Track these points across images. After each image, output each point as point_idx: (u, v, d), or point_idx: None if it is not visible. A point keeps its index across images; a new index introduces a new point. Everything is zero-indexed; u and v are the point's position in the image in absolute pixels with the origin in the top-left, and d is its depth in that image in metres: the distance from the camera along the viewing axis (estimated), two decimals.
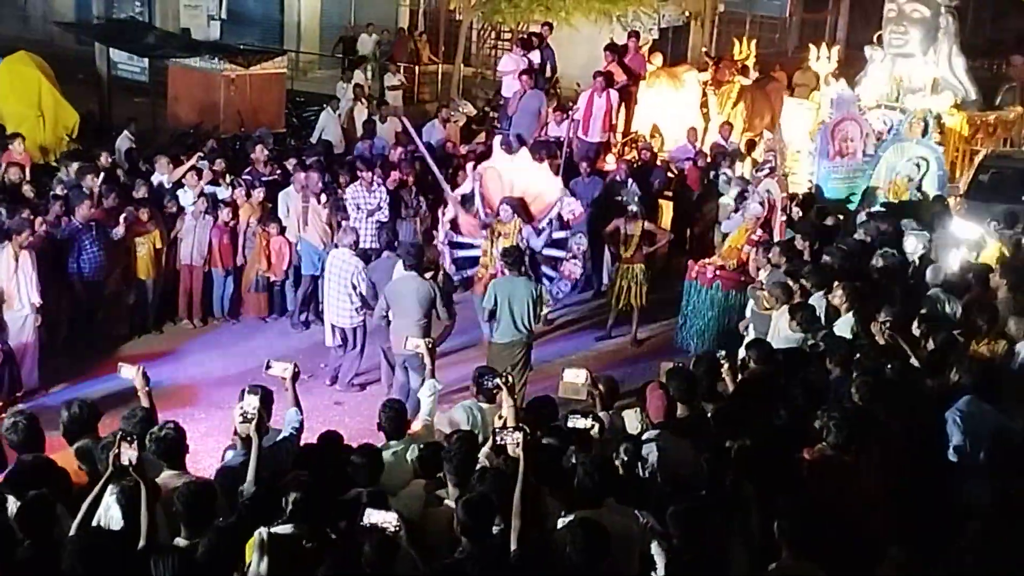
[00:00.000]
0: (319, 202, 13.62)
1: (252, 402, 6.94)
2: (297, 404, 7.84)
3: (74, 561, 5.52)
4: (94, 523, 6.09)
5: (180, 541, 5.94)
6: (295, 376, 7.92)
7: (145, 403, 7.58)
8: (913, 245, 12.31)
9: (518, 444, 6.29)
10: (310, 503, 6.15)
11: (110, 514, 6.15)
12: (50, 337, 11.69)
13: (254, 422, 6.85)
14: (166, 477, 6.60)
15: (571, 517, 6.23)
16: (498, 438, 6.49)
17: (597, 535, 5.78)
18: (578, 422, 7.06)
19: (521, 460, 6.20)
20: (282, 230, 13.69)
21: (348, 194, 14.06)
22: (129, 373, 7.68)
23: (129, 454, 5.94)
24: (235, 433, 7.30)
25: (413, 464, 7.16)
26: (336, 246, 12.27)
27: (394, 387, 11.37)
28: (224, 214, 13.43)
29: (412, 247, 11.42)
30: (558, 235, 12.90)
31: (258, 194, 13.86)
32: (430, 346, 8.85)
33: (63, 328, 12.07)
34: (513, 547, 5.91)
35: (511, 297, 10.99)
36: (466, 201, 13.24)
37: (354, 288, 11.78)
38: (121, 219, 12.38)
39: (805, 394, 8.16)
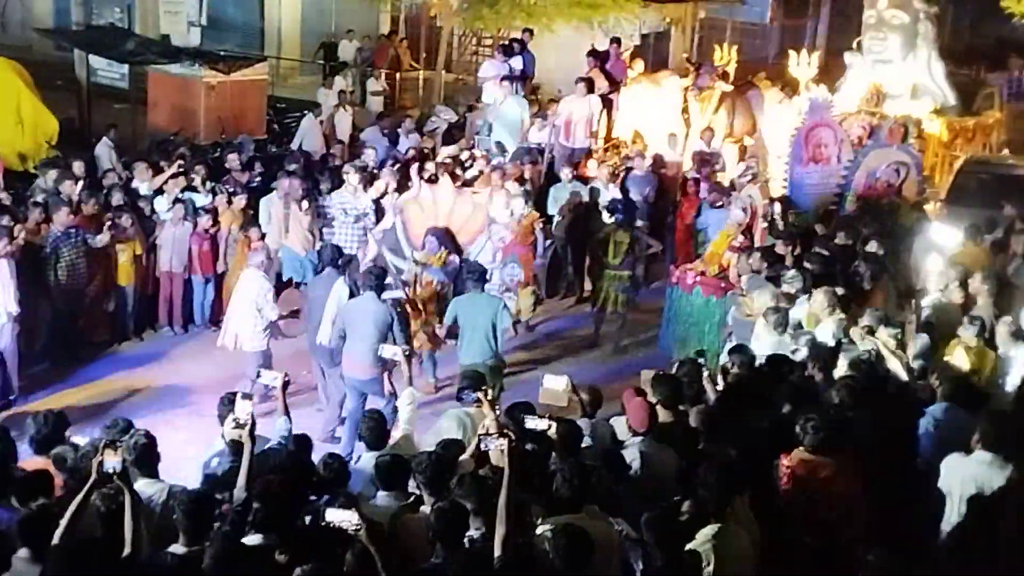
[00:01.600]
0: (300, 209, 13.59)
1: (246, 408, 6.91)
2: (286, 413, 7.81)
3: (60, 569, 5.47)
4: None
5: (178, 549, 5.89)
6: (285, 385, 7.89)
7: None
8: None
9: (503, 451, 6.27)
10: (276, 511, 6.13)
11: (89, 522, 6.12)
12: (28, 345, 11.62)
13: (247, 428, 6.83)
14: (140, 486, 6.54)
15: (549, 523, 6.22)
16: (482, 445, 6.47)
17: (581, 541, 5.77)
18: (536, 423, 7.04)
19: (506, 467, 6.18)
20: (262, 237, 13.64)
21: (335, 198, 14.02)
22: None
23: (113, 462, 5.91)
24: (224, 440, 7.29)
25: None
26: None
27: (347, 416, 10.77)
28: (204, 221, 13.37)
29: (373, 267, 11.15)
30: (484, 262, 12.35)
31: (239, 201, 13.81)
32: (407, 353, 8.83)
33: (42, 336, 12.00)
34: (497, 553, 5.88)
35: (472, 316, 10.66)
36: (387, 237, 12.97)
37: (259, 311, 11.31)
38: (105, 228, 12.30)
39: (790, 399, 8.16)
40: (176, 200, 13.50)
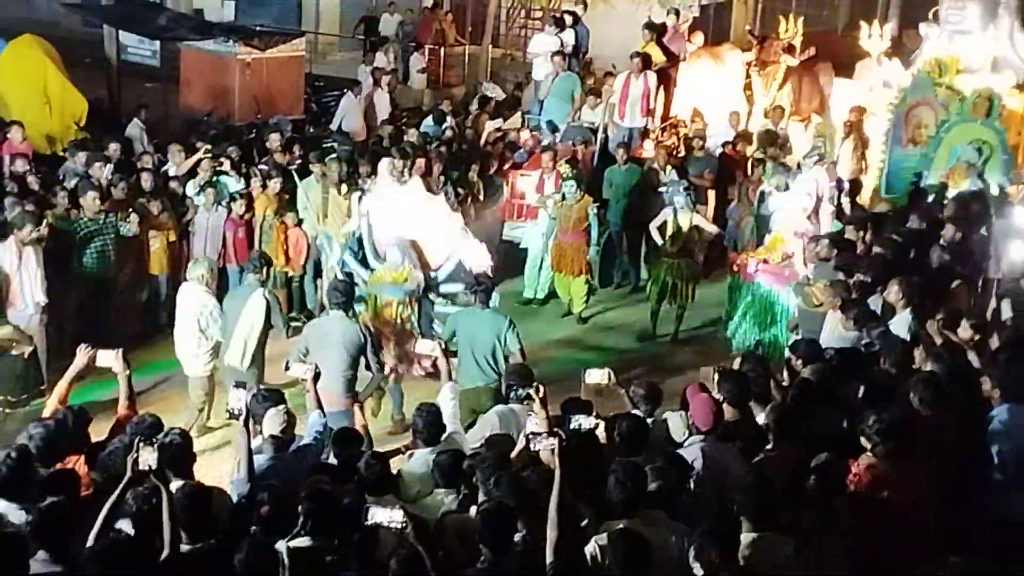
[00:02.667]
0: (339, 193, 13.62)
1: (238, 397, 6.95)
2: (320, 408, 7.85)
3: (97, 569, 5.53)
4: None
5: (183, 547, 5.95)
6: (316, 377, 7.93)
7: (124, 389, 7.77)
8: None
9: (553, 451, 6.26)
10: (324, 513, 6.17)
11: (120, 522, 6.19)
12: (58, 337, 11.72)
13: (241, 419, 6.88)
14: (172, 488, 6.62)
15: (603, 528, 6.22)
16: (531, 445, 6.47)
17: (638, 548, 5.75)
18: (581, 422, 7.01)
19: (557, 468, 6.18)
20: (299, 223, 13.71)
21: (377, 183, 13.98)
22: (107, 360, 7.76)
23: (149, 458, 5.96)
24: (262, 435, 7.36)
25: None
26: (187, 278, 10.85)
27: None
28: (238, 206, 13.45)
29: (339, 281, 10.34)
30: (453, 289, 11.37)
31: (274, 185, 13.86)
32: (443, 348, 8.83)
33: (71, 326, 12.10)
34: (549, 559, 5.88)
35: (472, 333, 9.98)
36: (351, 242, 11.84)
37: (203, 331, 10.53)
38: (131, 217, 12.39)
39: (865, 398, 8.08)
40: (207, 184, 13.59)
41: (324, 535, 6.13)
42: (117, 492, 6.04)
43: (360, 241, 11.60)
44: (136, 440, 6.15)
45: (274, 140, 15.21)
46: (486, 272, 10.97)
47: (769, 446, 7.55)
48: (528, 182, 15.55)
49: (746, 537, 6.22)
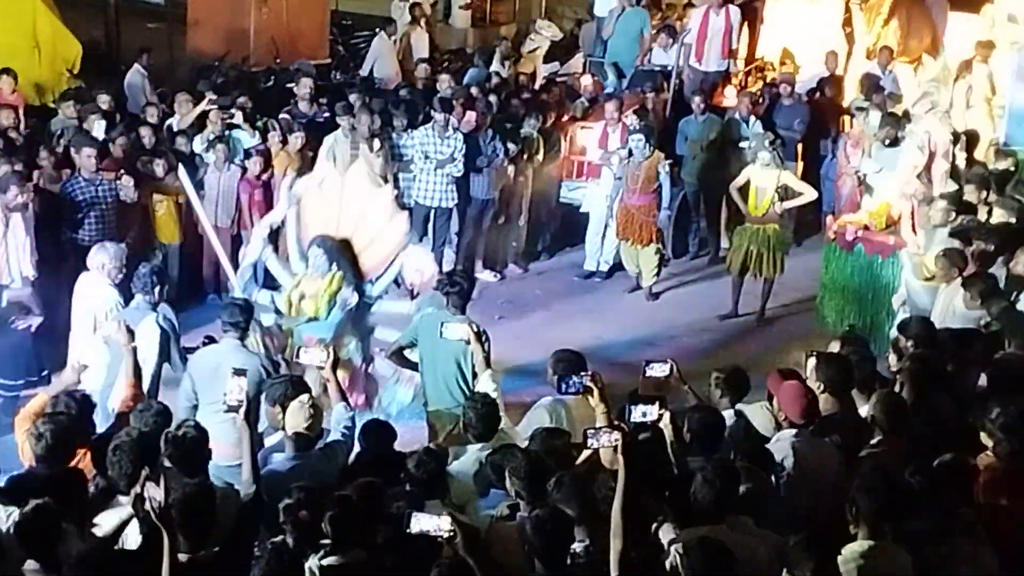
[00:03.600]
0: (371, 149, 13.63)
1: (237, 385, 6.95)
2: (344, 399, 7.85)
3: None
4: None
5: (182, 556, 5.97)
6: (335, 364, 7.90)
7: (130, 363, 7.77)
8: None
9: (616, 448, 6.21)
10: (352, 524, 6.17)
11: (126, 531, 6.26)
12: (50, 316, 11.79)
13: (241, 412, 6.88)
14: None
15: (679, 536, 6.18)
16: (589, 442, 6.43)
17: (721, 560, 5.71)
18: (645, 411, 6.95)
19: (620, 467, 6.14)
20: None
21: (416, 139, 14.08)
22: (108, 328, 7.76)
23: (156, 496, 5.98)
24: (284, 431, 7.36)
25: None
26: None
27: None
28: (253, 164, 13.49)
29: (233, 302, 9.37)
30: (394, 307, 10.68)
31: (296, 140, 13.89)
32: (476, 330, 8.77)
33: (65, 306, 12.16)
34: (614, 573, 5.86)
35: (435, 344, 9.21)
36: (277, 235, 10.88)
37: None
38: (124, 179, 12.36)
39: (988, 386, 7.97)
40: (217, 139, 13.64)
41: (357, 548, 6.12)
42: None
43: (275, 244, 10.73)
44: (142, 477, 6.17)
45: (305, 86, 15.20)
46: (459, 275, 9.83)
47: (873, 442, 7.46)
48: (589, 136, 15.47)
49: (859, 547, 6.14)
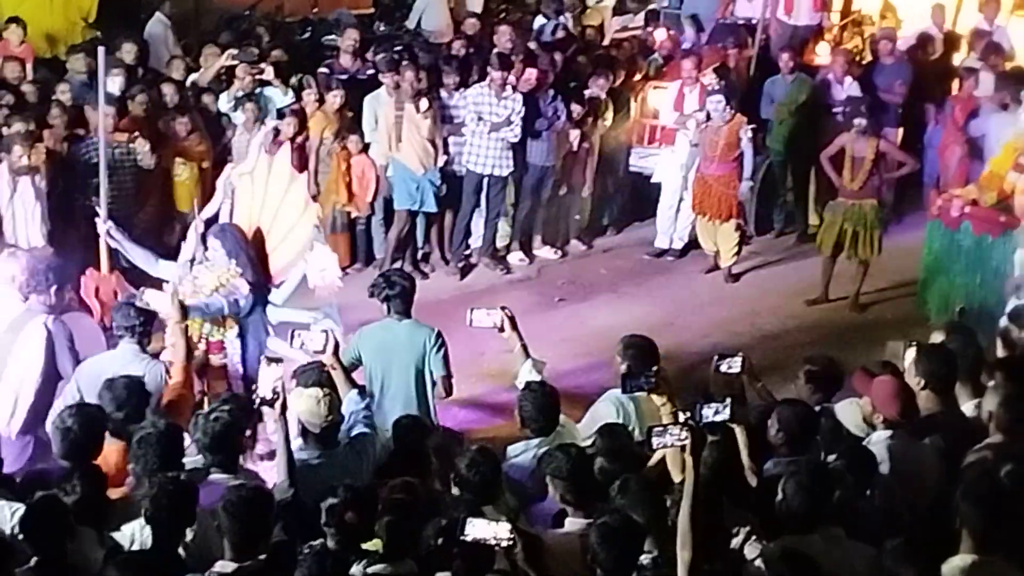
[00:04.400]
0: (418, 110, 13.65)
1: (273, 376, 6.98)
2: (354, 385, 7.86)
3: None
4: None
5: (226, 567, 6.01)
6: (336, 349, 7.90)
7: (180, 344, 7.88)
8: None
9: (684, 447, 6.19)
10: (408, 531, 6.20)
11: (145, 532, 6.32)
12: (58, 291, 11.89)
13: (278, 406, 6.91)
14: (214, 480, 6.74)
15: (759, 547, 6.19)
16: (654, 442, 6.40)
17: (805, 574, 5.68)
18: (716, 410, 6.91)
19: (689, 470, 6.11)
20: (365, 148, 13.76)
21: (470, 99, 14.07)
22: (156, 300, 7.79)
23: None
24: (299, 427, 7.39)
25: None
26: None
27: None
28: (286, 126, 13.54)
29: (126, 303, 8.99)
30: (293, 317, 10.12)
31: (334, 99, 13.95)
32: (510, 314, 8.69)
33: (76, 280, 12.24)
34: None
35: (387, 358, 9.07)
36: (210, 228, 10.25)
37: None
38: (138, 142, 12.45)
39: None
40: (246, 97, 13.70)
41: (410, 559, 6.16)
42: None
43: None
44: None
45: (349, 38, 15.20)
46: (397, 276, 9.57)
47: (983, 444, 7.40)
48: (663, 97, 15.41)
49: (961, 561, 6.09)
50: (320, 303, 10.20)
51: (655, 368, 7.46)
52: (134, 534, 6.33)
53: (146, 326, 8.58)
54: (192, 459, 7.12)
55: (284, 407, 7.00)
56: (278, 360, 7.21)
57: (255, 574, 6.01)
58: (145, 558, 5.96)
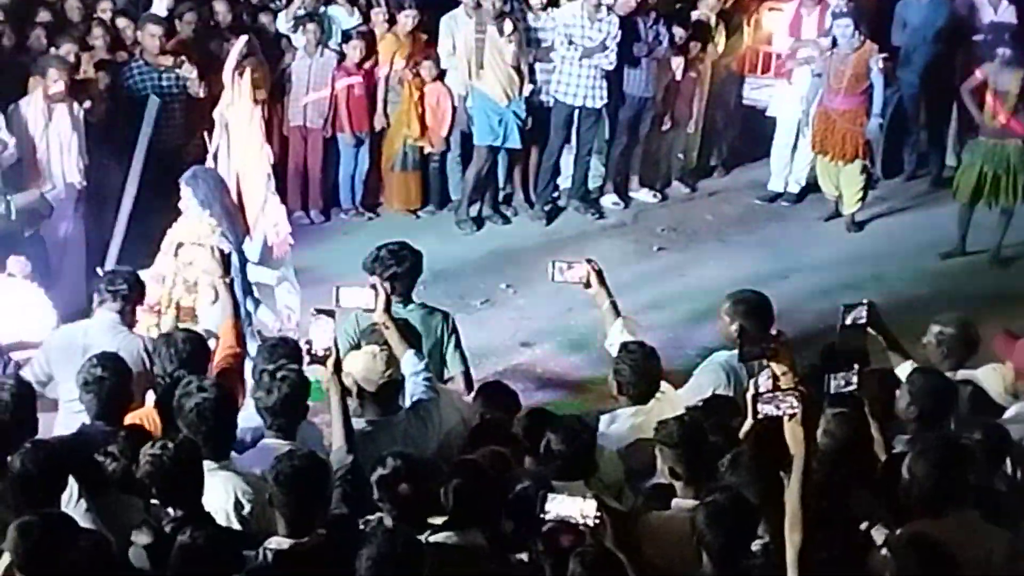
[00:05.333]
0: (501, 33, 13.64)
1: (322, 330, 7.01)
2: (411, 345, 7.87)
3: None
4: None
5: (281, 543, 6.08)
6: (388, 304, 7.90)
7: (227, 302, 8.08)
8: None
9: (794, 414, 6.16)
10: (479, 498, 6.24)
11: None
12: (99, 233, 11.98)
13: (330, 363, 6.95)
14: (267, 445, 6.87)
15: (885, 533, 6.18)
16: (759, 409, 6.37)
17: (938, 563, 5.67)
18: (847, 380, 6.87)
19: (800, 442, 6.08)
20: (440, 75, 13.78)
21: (559, 20, 14.03)
22: (195, 254, 7.95)
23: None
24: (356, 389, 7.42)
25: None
26: None
27: None
28: (352, 50, 13.60)
29: (115, 272, 8.87)
30: (262, 276, 10.21)
31: (407, 19, 13.97)
32: (597, 268, 8.61)
33: (118, 218, 12.31)
34: (791, 574, 5.86)
35: None
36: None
37: None
38: (185, 67, 12.48)
39: None
40: (308, 17, 13.74)
41: (477, 528, 6.19)
42: None
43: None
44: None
45: None
46: (402, 249, 8.94)
47: None
48: (779, 20, 15.33)
49: None
50: (275, 263, 10.08)
51: (776, 331, 7.43)
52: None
53: (131, 293, 8.40)
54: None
55: (338, 365, 7.05)
56: (329, 313, 7.21)
57: (313, 551, 6.03)
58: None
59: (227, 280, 8.20)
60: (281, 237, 10.14)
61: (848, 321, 7.47)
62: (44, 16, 12.84)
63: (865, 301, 7.60)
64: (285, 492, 6.05)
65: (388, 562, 5.58)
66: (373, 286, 7.83)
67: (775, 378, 6.60)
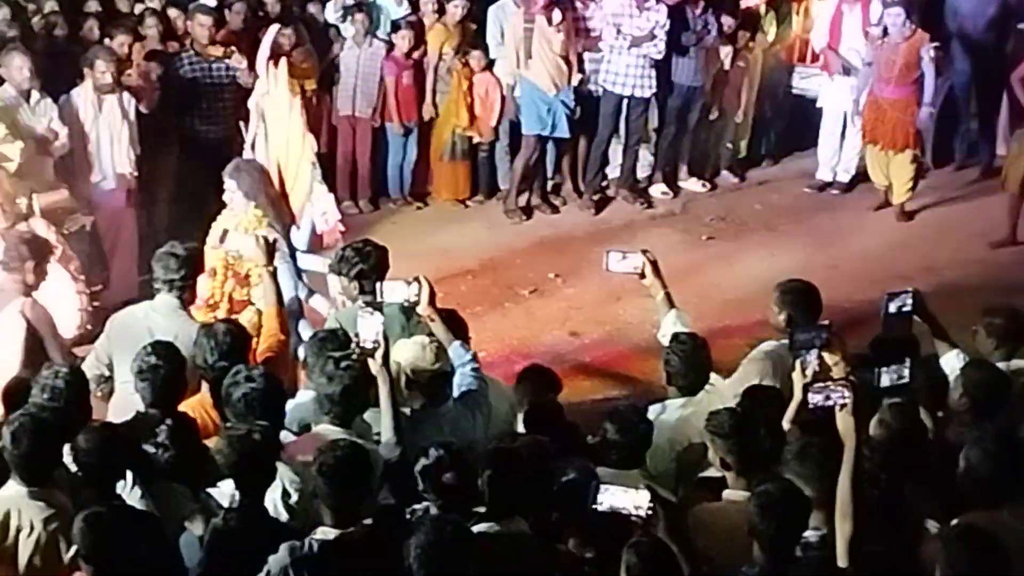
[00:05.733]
0: (550, 22, 13.63)
1: (371, 326, 7.03)
2: (459, 336, 7.87)
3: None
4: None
5: (328, 533, 6.08)
6: (432, 297, 7.87)
7: (271, 289, 8.10)
8: None
9: (844, 405, 6.14)
10: (517, 486, 6.23)
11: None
12: (150, 223, 12.04)
13: (379, 355, 6.97)
14: (320, 431, 6.95)
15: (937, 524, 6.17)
16: (810, 399, 6.36)
17: (991, 556, 5.64)
18: (899, 374, 6.83)
19: (851, 432, 6.07)
20: (489, 65, 13.79)
21: (607, 9, 13.99)
22: (240, 242, 8.06)
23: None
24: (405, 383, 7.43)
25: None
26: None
27: None
28: (401, 40, 13.61)
29: (172, 251, 8.46)
30: (311, 264, 10.26)
31: (456, 9, 13.97)
32: (652, 258, 8.55)
33: (163, 213, 12.34)
34: (842, 564, 5.86)
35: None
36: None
37: None
38: (234, 57, 12.41)
39: None
40: (356, 6, 13.76)
41: (520, 518, 6.19)
42: None
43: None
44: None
45: None
46: (373, 247, 8.70)
47: None
48: (826, 7, 15.26)
49: None
50: (326, 251, 10.00)
51: (827, 322, 7.40)
52: (235, 491, 6.45)
53: (186, 280, 8.35)
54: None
55: (386, 357, 7.06)
56: (379, 308, 7.25)
57: (360, 541, 6.05)
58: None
59: (270, 268, 8.23)
60: (331, 225, 10.15)
61: (892, 309, 7.48)
62: (93, 6, 12.90)
63: (910, 289, 7.62)
64: (328, 483, 6.08)
65: (437, 550, 5.57)
66: (416, 279, 7.73)
67: (826, 368, 6.61)
